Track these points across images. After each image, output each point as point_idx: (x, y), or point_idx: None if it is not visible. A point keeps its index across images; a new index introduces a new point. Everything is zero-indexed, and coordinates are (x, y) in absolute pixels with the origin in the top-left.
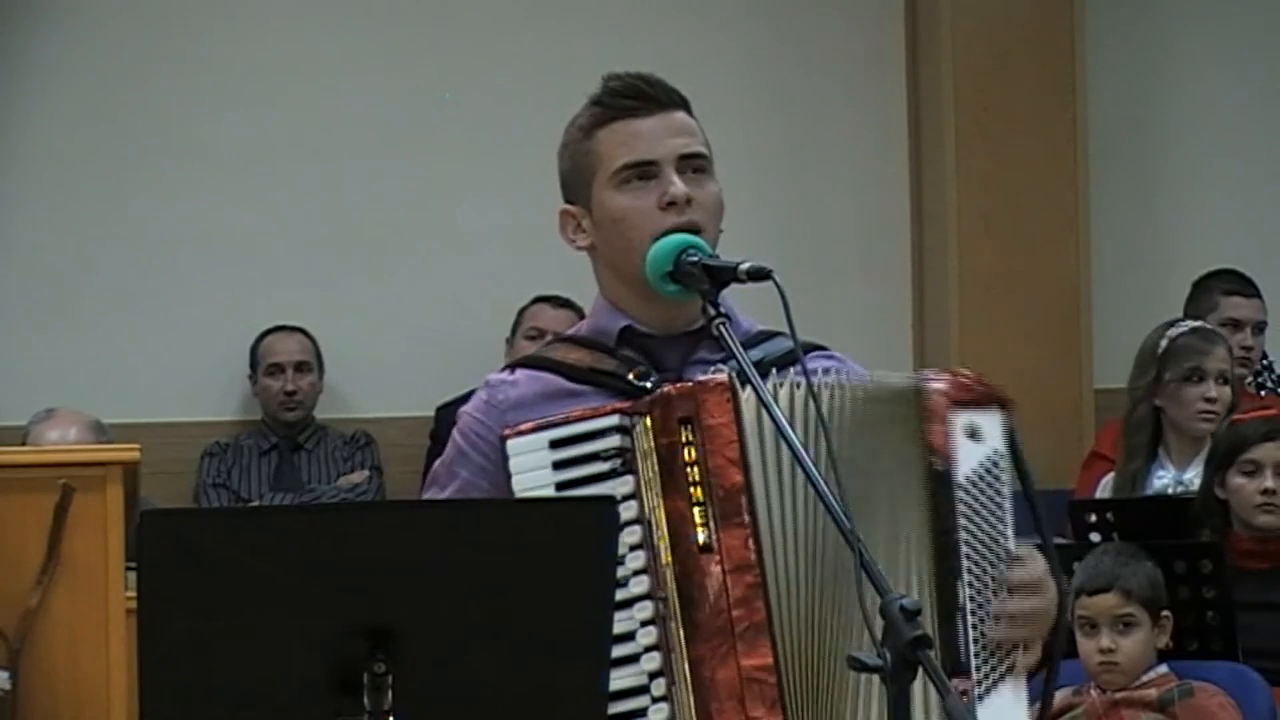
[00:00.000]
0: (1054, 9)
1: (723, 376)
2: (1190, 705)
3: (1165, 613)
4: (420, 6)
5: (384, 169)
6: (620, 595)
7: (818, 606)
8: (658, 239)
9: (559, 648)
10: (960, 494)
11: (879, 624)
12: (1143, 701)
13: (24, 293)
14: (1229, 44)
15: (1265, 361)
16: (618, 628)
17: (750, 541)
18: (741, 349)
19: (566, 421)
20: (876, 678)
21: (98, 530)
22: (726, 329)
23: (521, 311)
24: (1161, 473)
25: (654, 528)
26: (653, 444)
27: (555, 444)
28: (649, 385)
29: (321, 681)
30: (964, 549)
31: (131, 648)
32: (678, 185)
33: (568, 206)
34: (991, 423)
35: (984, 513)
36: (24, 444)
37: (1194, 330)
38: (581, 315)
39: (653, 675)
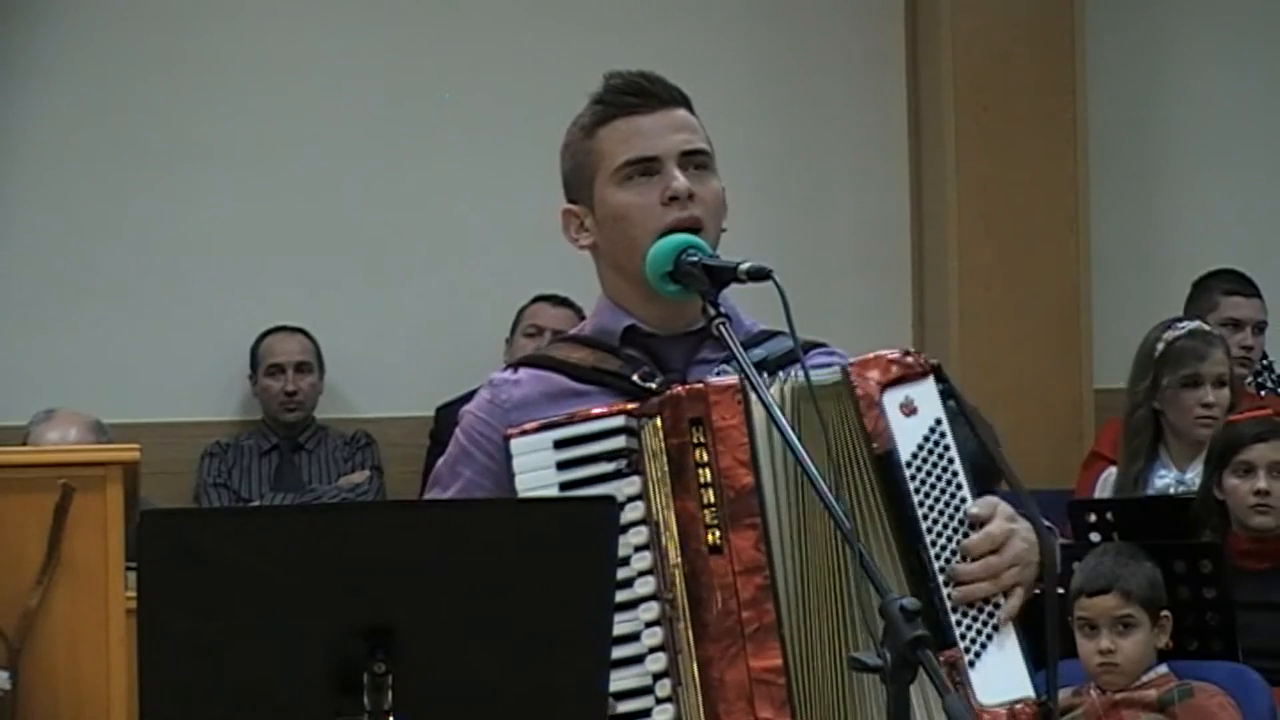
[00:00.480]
0: (1054, 9)
1: (733, 378)
2: (1190, 705)
3: (1165, 613)
4: (420, 6)
5: (384, 169)
6: (625, 596)
7: (827, 608)
8: (659, 237)
9: (559, 648)
10: (909, 471)
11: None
12: (1143, 702)
13: (24, 293)
14: (1229, 44)
15: (1265, 361)
16: (623, 628)
17: (760, 543)
18: (742, 349)
19: (571, 421)
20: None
21: (98, 530)
22: (727, 329)
23: (522, 311)
24: (1164, 472)
25: (662, 529)
26: (662, 445)
27: (559, 444)
28: (653, 386)
29: (321, 681)
30: (924, 523)
31: (131, 648)
32: (680, 180)
33: (570, 206)
34: (925, 393)
35: (938, 483)
36: (24, 444)
37: (1190, 333)
38: (581, 315)
39: (657, 676)
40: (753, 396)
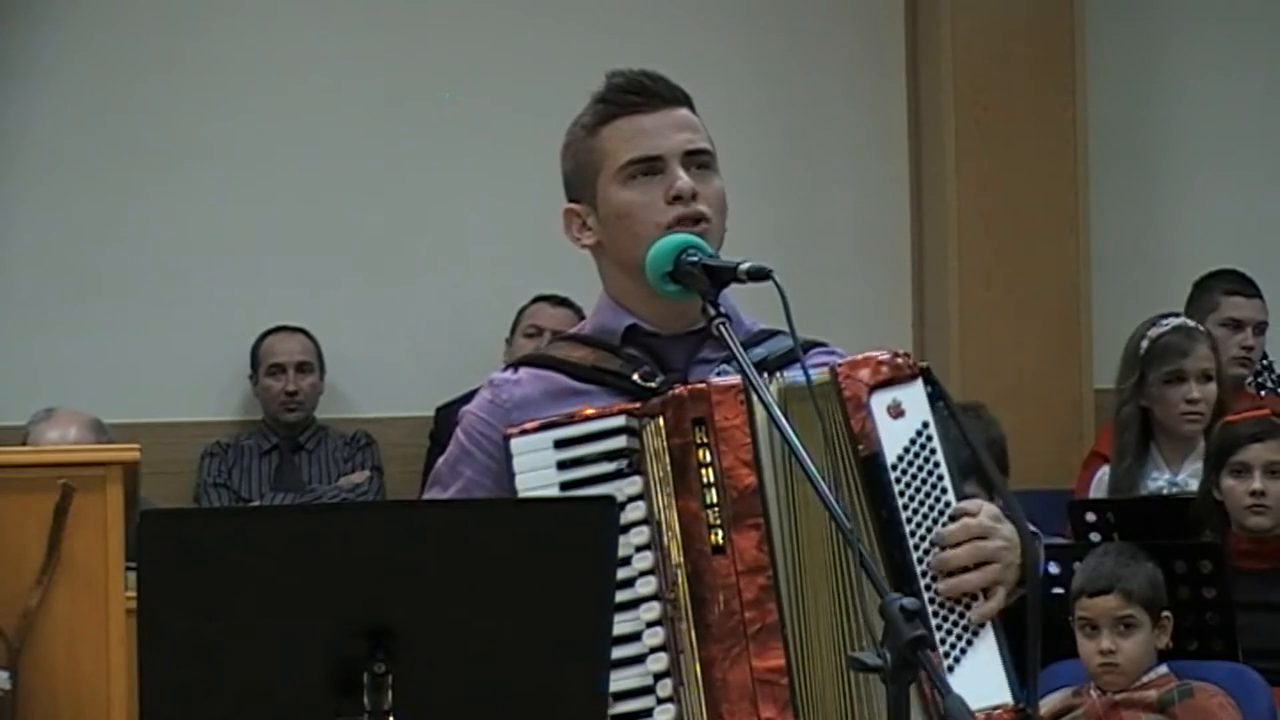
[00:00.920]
0: (1054, 9)
1: (736, 379)
2: (1190, 705)
3: (1165, 613)
4: (420, 6)
5: (384, 169)
6: (627, 596)
7: (829, 608)
8: (662, 235)
9: (559, 648)
10: (894, 474)
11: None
12: (1143, 702)
13: (24, 293)
14: (1229, 44)
15: (1265, 361)
16: (624, 628)
17: (763, 543)
18: (742, 350)
19: (571, 421)
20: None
21: (98, 530)
22: (727, 329)
23: (522, 311)
24: (1156, 474)
25: (663, 529)
26: (665, 444)
27: (560, 444)
28: (654, 386)
29: (321, 681)
30: (908, 526)
31: (131, 648)
32: (684, 179)
33: (572, 205)
34: (914, 395)
35: (923, 486)
36: (24, 444)
37: (1175, 329)
38: (581, 315)
39: (658, 676)
40: (754, 396)
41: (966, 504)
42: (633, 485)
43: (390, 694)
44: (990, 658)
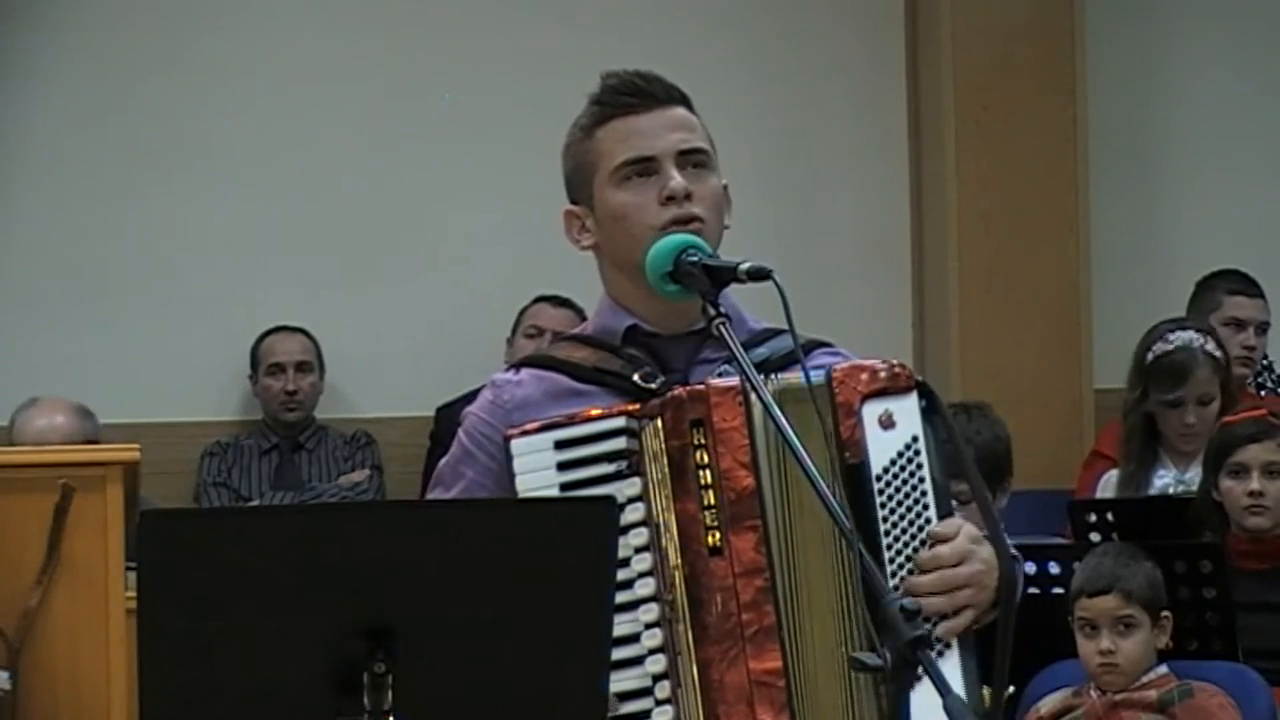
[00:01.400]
0: (1054, 9)
1: (734, 380)
2: (1190, 705)
3: (1165, 613)
4: (420, 6)
5: (385, 169)
6: (625, 597)
7: (827, 610)
8: (658, 236)
9: (559, 648)
10: (878, 485)
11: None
12: (1143, 702)
13: (24, 292)
14: (1229, 44)
15: (1265, 361)
16: (623, 630)
17: (760, 545)
18: (742, 350)
19: (572, 422)
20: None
21: (98, 530)
22: (727, 329)
23: (522, 311)
24: (1163, 472)
25: (662, 530)
26: (663, 446)
27: (560, 445)
28: (654, 387)
29: (321, 681)
30: (885, 539)
31: (131, 648)
32: (677, 180)
33: (572, 207)
34: (906, 408)
35: (905, 499)
36: (10, 433)
37: (1178, 349)
38: (582, 315)
39: (657, 678)
40: (753, 397)
41: (944, 528)
42: (632, 486)
43: (390, 694)
44: (952, 674)
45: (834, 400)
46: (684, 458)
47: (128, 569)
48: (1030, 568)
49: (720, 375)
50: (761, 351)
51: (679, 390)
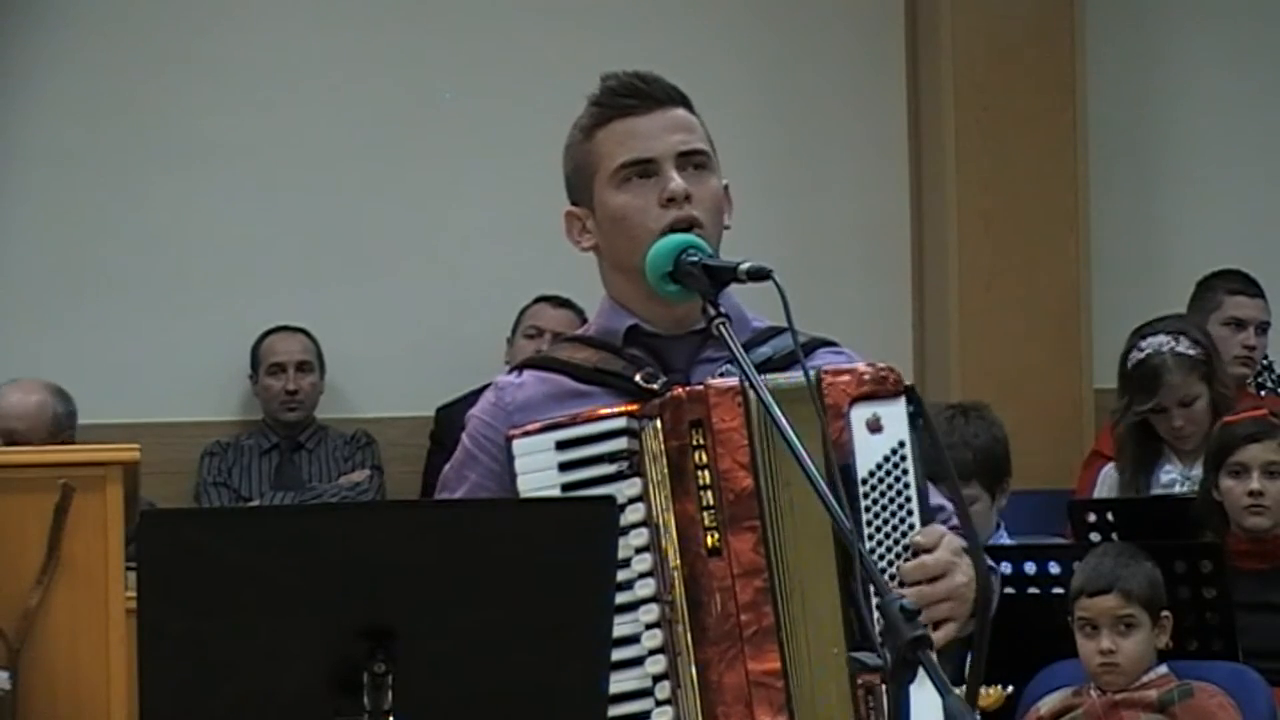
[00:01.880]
0: (1054, 9)
1: (734, 380)
2: (1190, 705)
3: (1165, 613)
4: (421, 6)
5: (384, 169)
6: (626, 598)
7: (825, 611)
8: (657, 238)
9: (559, 648)
10: (863, 489)
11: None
12: (1143, 702)
13: (24, 292)
14: (1229, 44)
15: (1265, 361)
16: (623, 630)
17: (759, 546)
18: (743, 350)
19: (573, 423)
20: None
21: (98, 530)
22: (727, 329)
23: (522, 311)
24: (1169, 468)
25: (662, 531)
26: (662, 446)
27: (562, 445)
28: (656, 387)
29: (321, 681)
30: (869, 543)
31: (131, 648)
32: (677, 182)
33: (572, 208)
34: (894, 413)
35: (889, 505)
36: None
37: (1146, 358)
38: (582, 315)
39: (657, 678)
40: (752, 397)
41: (926, 536)
42: (633, 487)
43: (390, 694)
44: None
45: (823, 402)
46: (683, 458)
47: (128, 569)
48: (1030, 568)
49: (722, 375)
50: (764, 350)
51: (679, 390)
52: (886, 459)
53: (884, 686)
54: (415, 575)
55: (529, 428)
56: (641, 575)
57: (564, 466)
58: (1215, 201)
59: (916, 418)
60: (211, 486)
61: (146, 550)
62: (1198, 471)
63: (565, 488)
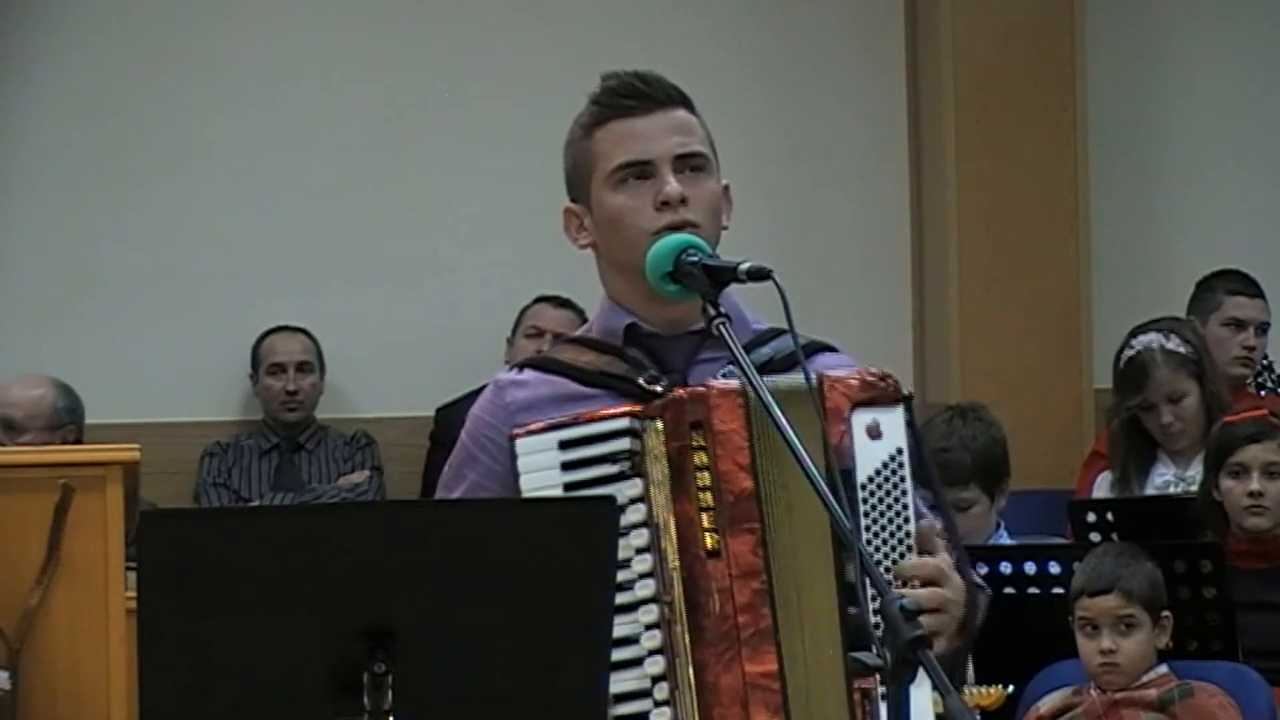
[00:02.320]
0: (1054, 9)
1: (735, 382)
2: (1190, 705)
3: (1165, 613)
4: (421, 6)
5: (384, 168)
6: (626, 598)
7: (824, 612)
8: (655, 239)
9: (559, 648)
10: (861, 494)
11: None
12: (1143, 702)
13: (24, 292)
14: (1229, 44)
15: (1265, 361)
16: (622, 631)
17: (758, 548)
18: (743, 351)
19: (576, 422)
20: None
21: (98, 530)
22: (727, 329)
23: (522, 311)
24: (1163, 470)
25: (662, 531)
26: (663, 447)
27: (565, 445)
28: (659, 389)
29: (321, 681)
30: (867, 548)
31: (131, 648)
32: (672, 185)
33: (571, 205)
34: (893, 420)
35: (887, 511)
36: None
37: (1135, 354)
38: (582, 315)
39: (655, 679)
40: (753, 399)
41: (924, 540)
42: (634, 487)
43: (390, 694)
44: (923, 691)
45: (824, 406)
46: (683, 459)
47: (128, 569)
48: (1030, 568)
49: (724, 376)
50: (765, 352)
51: (680, 391)
52: (885, 465)
53: (881, 689)
54: (415, 575)
55: (532, 427)
56: (641, 576)
57: (566, 466)
58: (1215, 201)
59: (911, 426)
60: (211, 487)
61: (146, 550)
62: (1192, 473)
63: (568, 487)
